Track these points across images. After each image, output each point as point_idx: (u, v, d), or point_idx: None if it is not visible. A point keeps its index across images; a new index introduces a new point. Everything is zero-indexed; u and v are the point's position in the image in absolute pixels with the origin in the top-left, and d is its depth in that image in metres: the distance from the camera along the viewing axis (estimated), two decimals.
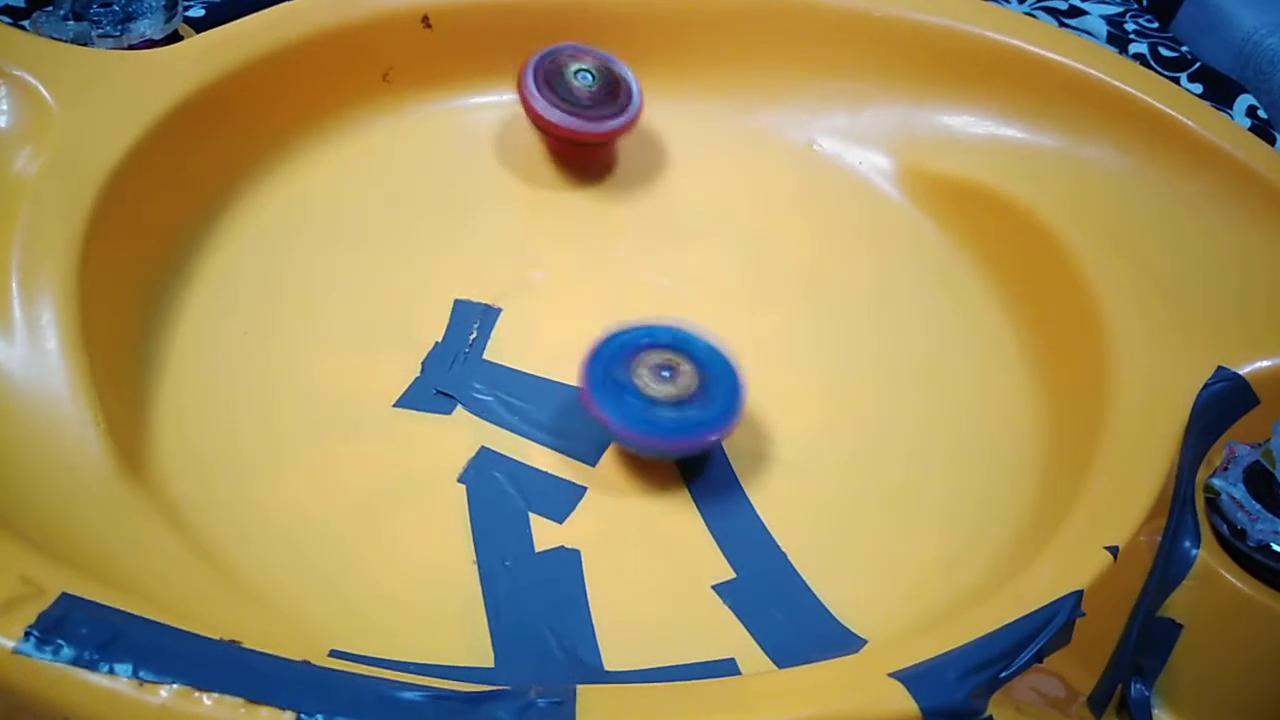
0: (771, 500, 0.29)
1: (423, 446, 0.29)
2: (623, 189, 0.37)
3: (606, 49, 0.37)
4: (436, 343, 0.32)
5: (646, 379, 0.27)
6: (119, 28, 0.36)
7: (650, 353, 0.28)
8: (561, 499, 0.28)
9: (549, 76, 0.35)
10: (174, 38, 0.37)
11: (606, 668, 0.25)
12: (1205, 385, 0.29)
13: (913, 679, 0.21)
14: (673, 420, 0.27)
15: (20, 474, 0.25)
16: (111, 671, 0.19)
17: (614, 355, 0.28)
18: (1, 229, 0.28)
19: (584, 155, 0.38)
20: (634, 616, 0.26)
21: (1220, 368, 0.29)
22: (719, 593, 0.27)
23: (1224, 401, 0.29)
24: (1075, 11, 0.54)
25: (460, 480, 0.28)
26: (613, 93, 0.36)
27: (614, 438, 0.29)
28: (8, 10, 0.45)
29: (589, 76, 0.35)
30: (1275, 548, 0.26)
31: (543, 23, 0.39)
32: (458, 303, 0.33)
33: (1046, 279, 0.34)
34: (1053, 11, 0.54)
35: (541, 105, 0.35)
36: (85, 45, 0.35)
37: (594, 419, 0.28)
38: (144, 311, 0.31)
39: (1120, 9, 0.54)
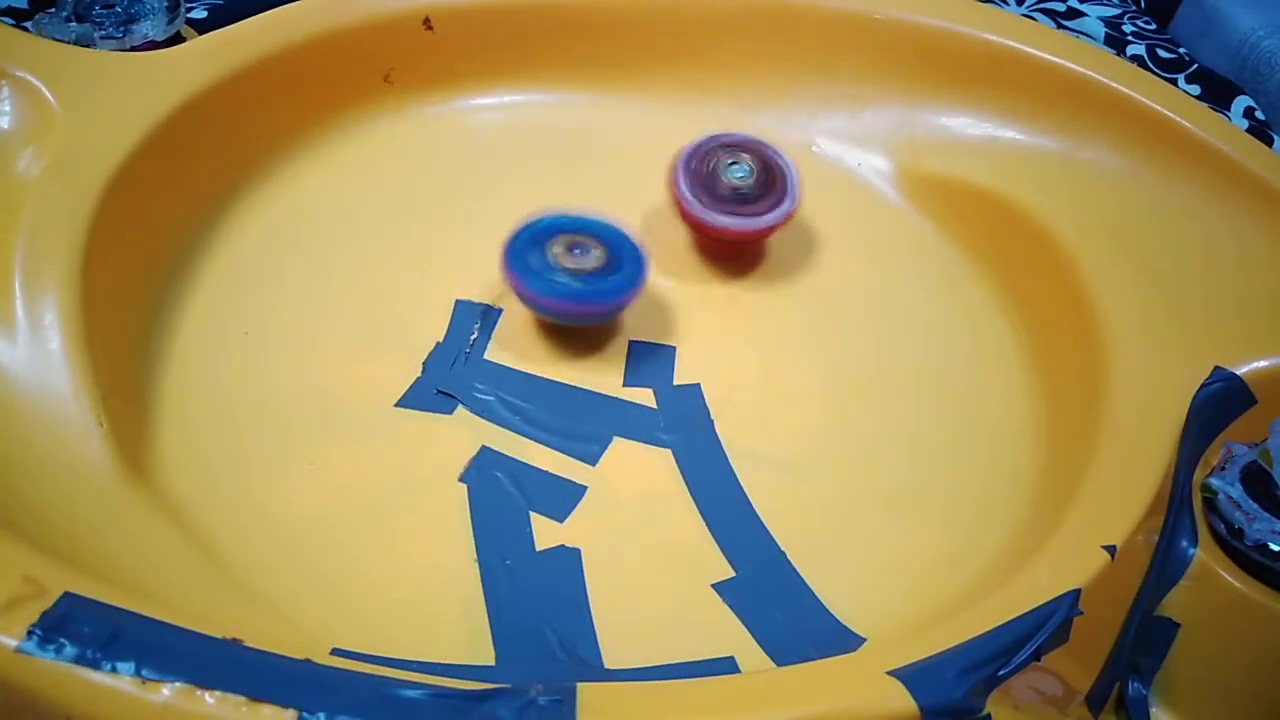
0: (771, 499, 0.29)
1: (424, 446, 0.29)
2: (624, 190, 0.37)
3: (607, 50, 0.37)
4: (437, 343, 0.32)
5: (560, 255, 0.30)
6: (121, 29, 0.36)
7: (563, 235, 0.31)
8: (562, 498, 0.28)
9: (701, 175, 0.34)
10: (176, 39, 0.37)
11: (606, 666, 0.25)
12: (1202, 385, 0.29)
13: (911, 677, 0.21)
14: (583, 288, 0.30)
15: (23, 473, 0.25)
16: (114, 670, 0.19)
17: (532, 238, 0.31)
18: (4, 230, 0.28)
19: (736, 249, 0.36)
20: (634, 615, 0.26)
21: (1217, 368, 0.29)
22: (718, 591, 0.27)
23: (1221, 401, 0.29)
24: (1073, 13, 0.54)
25: (461, 479, 0.28)
26: (770, 182, 0.34)
27: (534, 307, 0.31)
28: (10, 12, 0.45)
29: (744, 169, 0.33)
30: (1273, 547, 0.26)
31: (543, 24, 0.39)
32: (459, 303, 0.33)
33: (1044, 280, 0.34)
34: (1051, 13, 0.54)
35: (698, 209, 0.33)
36: (88, 47, 0.35)
37: (521, 298, 0.31)
38: (146, 312, 0.31)
39: (1118, 11, 0.55)
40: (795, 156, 0.35)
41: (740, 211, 0.33)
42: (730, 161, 0.33)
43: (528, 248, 0.31)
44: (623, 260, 0.31)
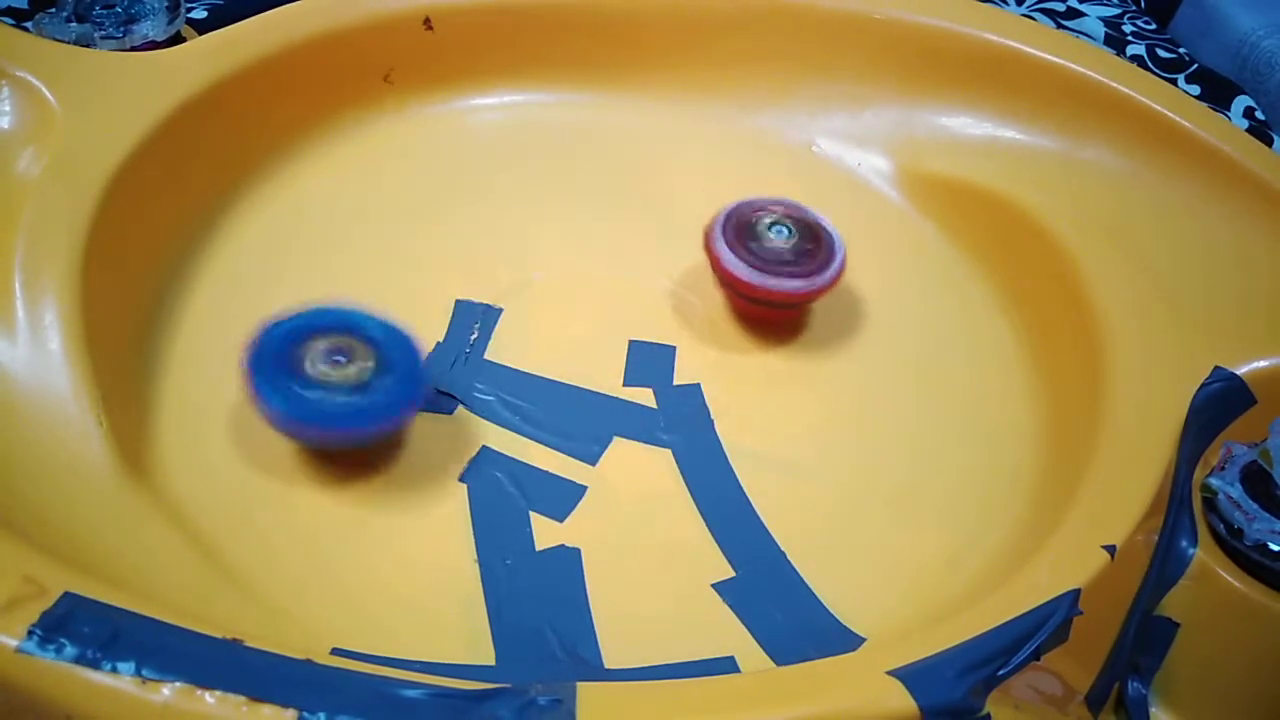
0: (771, 499, 0.29)
1: (424, 446, 0.29)
2: (624, 190, 0.37)
3: (607, 50, 0.37)
4: (438, 343, 0.32)
5: (318, 365, 0.26)
6: (121, 29, 0.36)
7: (320, 338, 0.26)
8: (562, 498, 0.28)
9: (740, 232, 0.31)
10: (176, 39, 0.37)
11: (606, 666, 0.25)
12: (1202, 385, 0.29)
13: (911, 677, 0.21)
14: (348, 405, 0.25)
15: (23, 473, 0.25)
16: (114, 670, 0.19)
17: (280, 341, 0.26)
18: (4, 230, 0.28)
19: (775, 315, 0.33)
20: (634, 615, 0.26)
21: (1217, 368, 0.29)
22: (718, 591, 0.27)
23: (1221, 401, 0.29)
24: (1073, 13, 0.54)
25: (461, 479, 0.28)
26: (814, 249, 0.32)
27: (284, 431, 0.27)
28: (10, 12, 0.45)
29: (785, 230, 0.31)
30: (1272, 547, 0.26)
31: (543, 24, 0.39)
32: (459, 303, 0.33)
33: (1045, 280, 0.34)
34: (1050, 13, 0.54)
35: (734, 263, 0.31)
36: (88, 47, 0.35)
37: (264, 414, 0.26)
38: (147, 312, 0.31)
39: (1118, 11, 0.55)
40: (795, 156, 0.35)
41: (793, 274, 0.31)
42: (771, 222, 0.32)
43: (276, 359, 0.26)
44: (392, 361, 0.26)
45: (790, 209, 0.32)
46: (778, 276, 0.31)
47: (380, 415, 0.26)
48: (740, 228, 0.32)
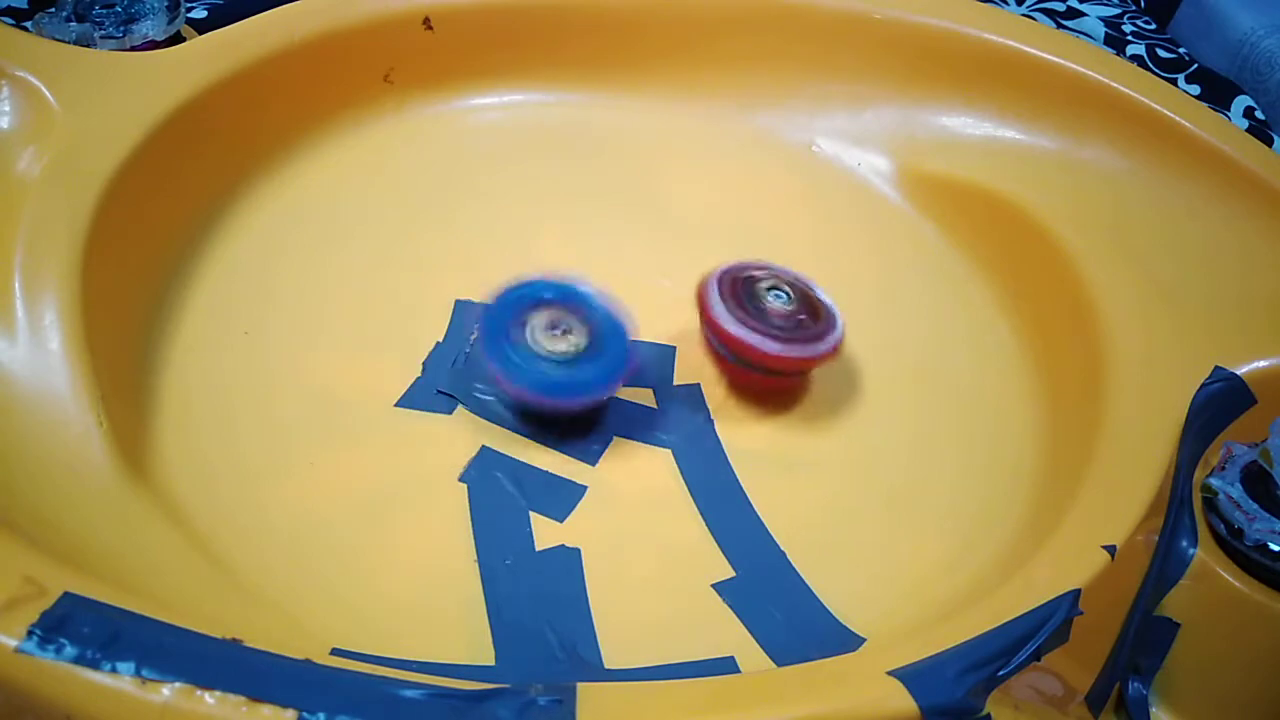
0: (771, 499, 0.29)
1: (424, 446, 0.29)
2: (624, 190, 0.37)
3: (607, 50, 0.37)
4: (437, 343, 0.32)
5: (539, 335, 0.28)
6: (121, 29, 0.36)
7: (544, 309, 0.29)
8: (562, 498, 0.28)
9: (737, 292, 0.30)
10: (176, 39, 0.37)
11: (606, 666, 0.25)
12: (1203, 385, 0.29)
13: (911, 677, 0.21)
14: (561, 378, 0.28)
15: (23, 474, 0.25)
16: (114, 670, 0.19)
17: (507, 310, 0.29)
18: (4, 230, 0.28)
19: (772, 383, 0.32)
20: (634, 615, 0.26)
21: (1217, 367, 0.29)
22: (718, 591, 0.27)
23: (1221, 401, 0.29)
24: (1073, 13, 0.54)
25: (461, 479, 0.28)
26: (813, 316, 0.30)
27: (514, 396, 0.29)
28: (10, 11, 0.45)
29: (783, 296, 0.30)
30: (1273, 547, 0.26)
31: (543, 23, 0.39)
32: (458, 303, 0.33)
33: (1045, 280, 0.34)
34: (1050, 13, 0.54)
35: (733, 325, 0.29)
36: (88, 47, 0.35)
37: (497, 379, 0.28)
38: (146, 312, 0.31)
39: (1118, 10, 0.55)
40: (796, 156, 0.35)
41: (793, 339, 0.29)
42: (769, 286, 0.30)
43: (508, 323, 0.28)
44: (605, 342, 0.29)
45: (782, 274, 0.31)
46: (781, 342, 0.29)
47: (580, 392, 0.29)
48: (736, 288, 0.30)
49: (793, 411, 0.31)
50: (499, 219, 0.36)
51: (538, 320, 0.28)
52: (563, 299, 0.29)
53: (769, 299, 0.30)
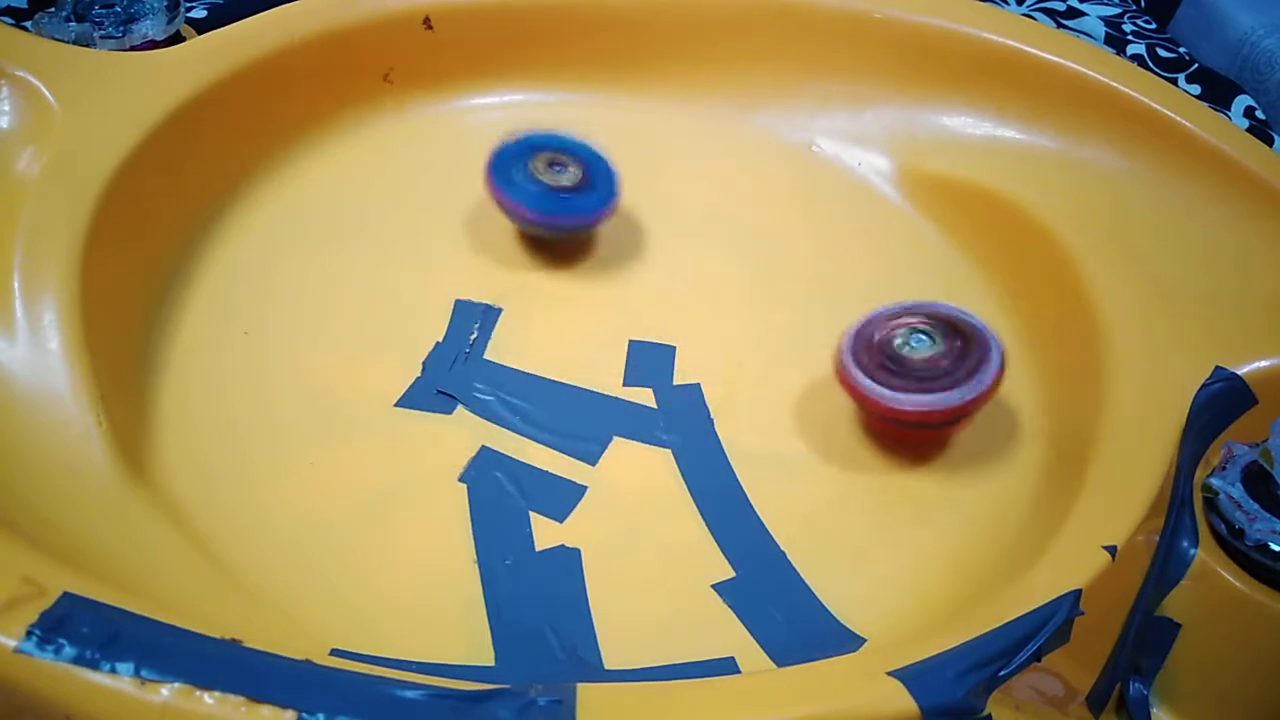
0: (771, 499, 0.29)
1: (424, 446, 0.29)
2: (624, 190, 0.37)
3: (607, 50, 0.37)
4: (437, 342, 0.32)
5: (540, 172, 0.33)
6: (121, 29, 0.36)
7: (544, 152, 0.34)
8: (562, 498, 0.28)
9: (873, 349, 0.28)
10: (176, 39, 0.37)
11: (606, 666, 0.25)
12: (1203, 385, 0.29)
13: (912, 677, 0.21)
14: (561, 202, 0.33)
15: (22, 473, 0.25)
16: (113, 670, 0.19)
17: (510, 153, 0.34)
18: (4, 229, 0.28)
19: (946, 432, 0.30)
20: (634, 615, 0.26)
21: (1218, 368, 0.29)
22: (718, 592, 0.27)
23: (1222, 401, 0.29)
24: (1073, 13, 0.54)
25: (461, 480, 0.28)
26: (965, 349, 0.28)
27: (516, 219, 0.34)
28: (10, 11, 0.45)
29: (925, 339, 0.28)
30: (1273, 547, 0.26)
31: (543, 23, 0.39)
32: (458, 303, 0.33)
33: (1045, 280, 0.34)
34: (1051, 13, 0.54)
35: (879, 392, 0.28)
36: (88, 46, 0.35)
37: (504, 209, 0.33)
38: (146, 312, 0.31)
39: (1118, 10, 0.55)
40: (796, 156, 0.35)
41: (934, 388, 0.28)
42: (907, 332, 0.29)
43: (511, 162, 0.33)
44: (596, 180, 0.34)
45: (919, 311, 0.29)
46: (934, 393, 0.27)
47: (578, 212, 0.34)
48: (872, 347, 0.29)
49: (793, 411, 0.31)
50: (499, 218, 0.36)
51: (539, 161, 0.33)
52: (560, 146, 0.34)
53: (910, 346, 0.28)
